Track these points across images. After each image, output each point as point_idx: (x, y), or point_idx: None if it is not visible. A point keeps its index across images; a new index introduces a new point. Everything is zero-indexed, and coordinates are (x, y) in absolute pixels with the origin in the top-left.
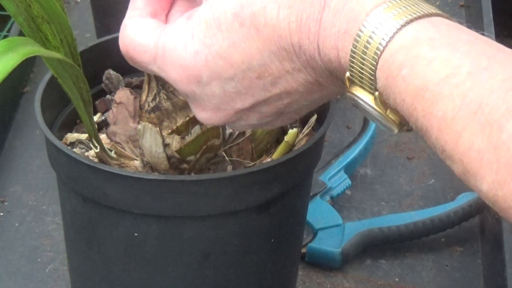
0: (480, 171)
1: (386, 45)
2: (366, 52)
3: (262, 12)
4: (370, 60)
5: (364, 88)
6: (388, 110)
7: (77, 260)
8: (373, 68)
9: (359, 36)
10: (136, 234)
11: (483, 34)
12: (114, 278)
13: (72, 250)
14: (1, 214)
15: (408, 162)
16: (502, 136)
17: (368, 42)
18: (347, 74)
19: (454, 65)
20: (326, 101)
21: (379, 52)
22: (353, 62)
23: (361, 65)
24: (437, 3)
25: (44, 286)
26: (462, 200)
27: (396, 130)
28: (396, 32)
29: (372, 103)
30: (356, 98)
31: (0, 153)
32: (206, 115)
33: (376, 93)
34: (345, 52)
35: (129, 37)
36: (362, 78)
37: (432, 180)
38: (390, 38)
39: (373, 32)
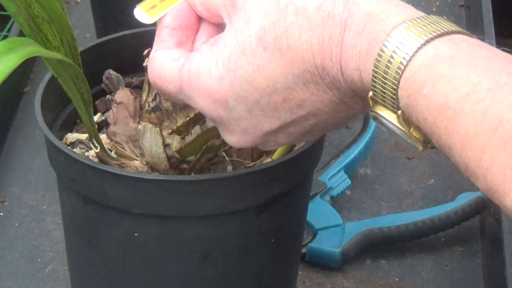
0: (504, 187)
1: (407, 65)
2: (387, 72)
3: (285, 36)
4: (392, 79)
5: (387, 107)
6: (412, 128)
7: (77, 260)
8: (395, 87)
9: (380, 56)
10: (136, 234)
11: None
12: (114, 278)
13: (72, 250)
14: (1, 214)
15: (408, 162)
16: None
17: (389, 61)
18: (370, 93)
19: (474, 82)
20: (352, 118)
21: (400, 72)
22: (375, 82)
23: (383, 85)
24: (437, 3)
25: (44, 286)
26: (462, 200)
27: (421, 148)
28: (417, 51)
29: (396, 122)
30: (380, 118)
31: (0, 153)
32: (234, 139)
33: (399, 111)
34: (367, 73)
35: (156, 70)
36: (384, 97)
37: (432, 180)
38: (411, 57)
39: (394, 51)
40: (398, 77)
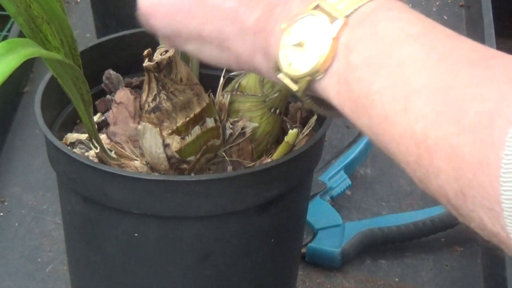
0: None
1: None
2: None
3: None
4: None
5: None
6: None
7: (77, 260)
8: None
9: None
10: (136, 234)
11: (483, 34)
12: (114, 278)
13: (72, 250)
14: (1, 214)
15: None
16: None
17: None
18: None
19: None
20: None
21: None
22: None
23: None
24: (437, 3)
25: (44, 286)
26: None
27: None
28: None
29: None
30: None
31: (0, 153)
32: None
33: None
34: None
35: None
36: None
37: None
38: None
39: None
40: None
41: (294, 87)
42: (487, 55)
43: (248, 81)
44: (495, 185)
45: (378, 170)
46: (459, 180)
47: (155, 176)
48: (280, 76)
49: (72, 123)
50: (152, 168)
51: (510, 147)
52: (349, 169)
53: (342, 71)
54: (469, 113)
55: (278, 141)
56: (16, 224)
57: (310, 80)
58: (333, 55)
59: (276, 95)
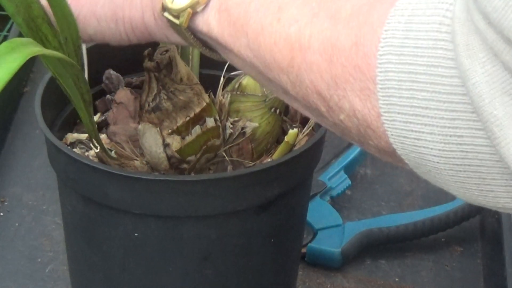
0: None
1: None
2: None
3: None
4: None
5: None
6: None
7: (77, 260)
8: None
9: None
10: (136, 234)
11: None
12: (114, 278)
13: (72, 250)
14: (1, 214)
15: None
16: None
17: None
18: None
19: None
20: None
21: None
22: None
23: None
24: None
25: (44, 286)
26: (462, 200)
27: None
28: None
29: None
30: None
31: (0, 153)
32: None
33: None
34: None
35: None
36: None
37: None
38: None
39: None
40: None
41: (177, 21)
42: None
43: (249, 81)
44: (371, 61)
45: (378, 170)
46: (331, 69)
47: (155, 176)
48: (165, 14)
49: (72, 123)
50: (152, 168)
51: (390, 23)
52: (349, 169)
53: (222, 1)
54: (346, 7)
55: (278, 141)
56: (16, 224)
57: (192, 13)
58: None
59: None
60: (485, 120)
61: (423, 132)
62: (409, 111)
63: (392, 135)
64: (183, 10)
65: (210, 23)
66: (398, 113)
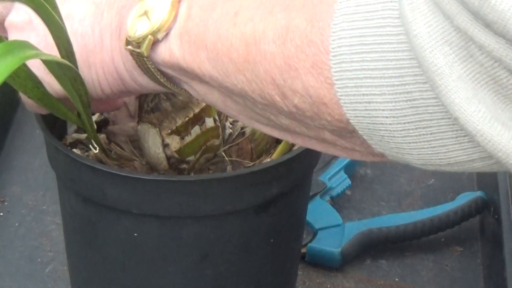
0: None
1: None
2: None
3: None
4: None
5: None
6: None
7: (77, 260)
8: None
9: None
10: (135, 234)
11: None
12: (114, 278)
13: (72, 250)
14: (1, 214)
15: None
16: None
17: None
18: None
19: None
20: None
21: None
22: None
23: None
24: None
25: (44, 286)
26: (462, 200)
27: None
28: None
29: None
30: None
31: (0, 153)
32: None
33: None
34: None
35: None
36: None
37: (432, 180)
38: None
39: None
40: None
41: (138, 50)
42: None
43: None
44: (325, 32)
45: (378, 170)
46: (284, 52)
47: (155, 176)
48: (129, 48)
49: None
50: (152, 168)
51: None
52: (349, 169)
53: (183, 25)
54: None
55: (278, 140)
56: (16, 224)
57: (154, 41)
58: (174, 13)
59: None
60: (426, 69)
61: (374, 94)
62: (359, 75)
63: (345, 103)
64: (144, 37)
65: (172, 48)
66: (350, 78)
